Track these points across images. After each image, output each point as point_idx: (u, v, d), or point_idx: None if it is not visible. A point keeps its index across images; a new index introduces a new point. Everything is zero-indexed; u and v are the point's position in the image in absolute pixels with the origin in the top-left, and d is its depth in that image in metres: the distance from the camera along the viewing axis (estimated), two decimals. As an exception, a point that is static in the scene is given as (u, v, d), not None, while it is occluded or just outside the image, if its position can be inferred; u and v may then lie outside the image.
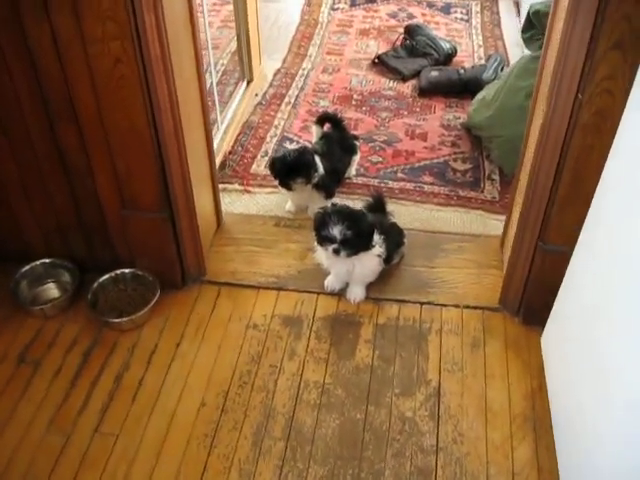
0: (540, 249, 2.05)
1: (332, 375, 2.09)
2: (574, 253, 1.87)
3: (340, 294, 2.35)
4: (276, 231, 2.63)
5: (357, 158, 2.93)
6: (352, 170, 2.93)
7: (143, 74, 1.83)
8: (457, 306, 2.31)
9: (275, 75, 3.76)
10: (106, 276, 2.30)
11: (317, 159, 2.62)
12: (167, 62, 1.86)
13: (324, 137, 2.83)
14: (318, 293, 2.35)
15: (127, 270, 2.32)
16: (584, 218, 1.83)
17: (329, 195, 2.71)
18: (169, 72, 1.88)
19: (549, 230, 2.00)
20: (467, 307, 2.30)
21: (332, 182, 2.72)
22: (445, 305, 2.31)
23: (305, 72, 3.80)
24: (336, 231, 2.08)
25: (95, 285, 2.27)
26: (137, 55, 1.79)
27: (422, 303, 2.32)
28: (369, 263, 2.24)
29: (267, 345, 2.18)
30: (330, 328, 2.23)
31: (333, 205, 2.19)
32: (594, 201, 1.74)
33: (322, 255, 2.24)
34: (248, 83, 3.54)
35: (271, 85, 3.67)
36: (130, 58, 1.80)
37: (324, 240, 2.13)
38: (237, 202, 2.83)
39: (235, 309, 2.30)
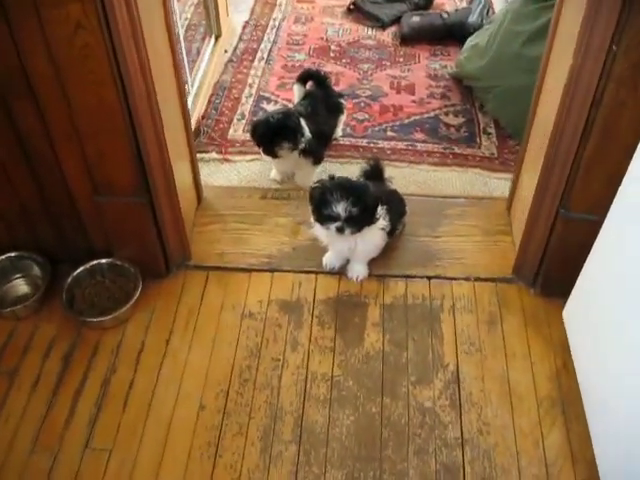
0: (562, 217, 1.87)
1: (341, 366, 1.91)
2: (607, 220, 1.68)
3: (340, 272, 2.15)
4: (263, 204, 2.40)
5: (344, 118, 2.70)
6: (338, 131, 2.71)
7: (109, 41, 1.57)
8: (468, 279, 2.13)
9: (244, 28, 3.46)
10: (81, 269, 2.06)
11: (302, 122, 2.38)
12: (136, 26, 1.60)
13: (307, 97, 2.59)
14: (316, 272, 2.16)
15: (104, 260, 2.09)
16: (613, 183, 1.64)
17: (317, 160, 2.48)
18: (139, 37, 1.62)
19: (572, 196, 1.82)
20: (478, 279, 2.13)
21: (320, 146, 2.49)
22: (455, 278, 2.13)
23: (276, 23, 3.52)
24: (340, 208, 1.87)
25: (69, 280, 2.04)
26: (101, 19, 1.52)
27: (430, 277, 2.14)
28: (373, 238, 2.04)
29: (266, 335, 1.99)
30: (333, 312, 2.04)
31: (331, 178, 1.96)
32: (634, 164, 1.55)
33: (321, 232, 2.03)
34: (216, 39, 3.25)
35: (241, 39, 3.38)
36: (93, 23, 1.53)
37: (326, 219, 1.92)
38: (216, 173, 2.59)
39: (227, 296, 2.09)
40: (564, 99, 1.67)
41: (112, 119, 1.71)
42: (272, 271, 2.16)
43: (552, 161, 1.80)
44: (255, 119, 2.49)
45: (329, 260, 2.14)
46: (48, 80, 1.64)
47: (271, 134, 2.32)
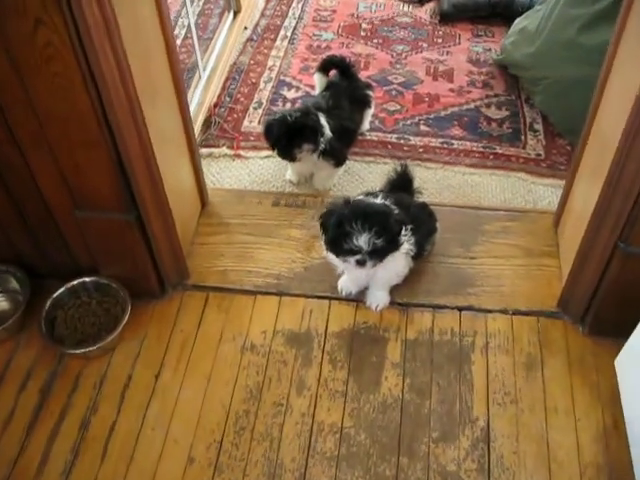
0: (621, 251, 1.57)
1: (352, 415, 1.65)
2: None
3: (358, 298, 1.88)
4: (275, 212, 2.13)
5: (371, 111, 2.39)
6: (366, 124, 2.41)
7: (77, 39, 1.30)
8: (505, 312, 1.84)
9: (267, 2, 3.15)
10: (62, 288, 1.83)
11: (322, 118, 2.09)
12: (110, 19, 1.32)
13: (330, 87, 2.29)
14: (330, 298, 1.89)
15: (89, 279, 1.85)
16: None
17: (339, 162, 2.19)
18: (114, 32, 1.35)
19: (635, 229, 1.51)
20: (517, 312, 1.84)
21: (342, 145, 2.19)
22: (490, 311, 1.84)
23: (303, -4, 3.19)
24: (362, 241, 1.58)
25: (50, 301, 1.80)
26: (65, 13, 1.25)
27: (461, 309, 1.85)
28: (395, 265, 1.76)
29: (269, 374, 1.73)
30: (347, 348, 1.78)
31: (347, 202, 1.67)
32: None
33: (336, 260, 1.75)
34: (235, 14, 2.94)
35: (263, 15, 3.07)
36: (55, 19, 1.26)
37: (345, 252, 1.63)
38: (226, 171, 2.32)
39: (227, 323, 1.84)
40: (633, 120, 1.35)
41: (86, 127, 1.45)
42: (280, 294, 1.89)
43: (613, 186, 1.49)
44: (268, 117, 2.20)
45: (345, 285, 1.87)
46: (10, 84, 1.38)
47: (289, 135, 2.03)
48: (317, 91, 2.34)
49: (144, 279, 1.84)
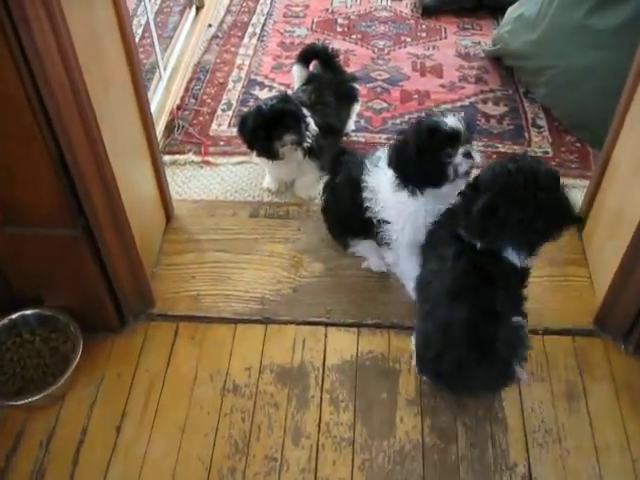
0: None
1: (363, 468, 1.34)
2: None
3: (358, 323, 1.57)
4: (253, 225, 1.82)
5: (358, 108, 2.10)
6: (351, 124, 2.12)
7: (6, 16, 0.99)
8: (534, 331, 1.55)
9: (232, -2, 2.86)
10: (-2, 324, 1.48)
11: (305, 111, 1.80)
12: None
13: (311, 81, 1.99)
14: (326, 324, 1.58)
15: (30, 311, 1.51)
16: None
17: (326, 164, 1.89)
18: (55, 11, 1.04)
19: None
20: (549, 332, 1.56)
21: (329, 145, 1.89)
22: (517, 331, 1.55)
23: (272, -8, 2.91)
24: None
25: (-19, 341, 1.46)
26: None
27: (482, 330, 1.56)
28: None
29: (257, 421, 1.41)
30: (351, 384, 1.47)
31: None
32: None
33: None
34: (198, 10, 2.65)
35: (228, 12, 2.78)
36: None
37: None
38: (193, 180, 2.01)
39: (202, 360, 1.52)
40: None
41: (19, 122, 1.14)
42: (265, 322, 1.58)
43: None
44: (243, 112, 1.89)
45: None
46: None
47: (266, 126, 1.73)
48: (296, 85, 2.04)
49: (99, 309, 1.51)
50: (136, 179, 1.58)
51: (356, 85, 2.06)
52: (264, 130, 1.73)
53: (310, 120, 1.80)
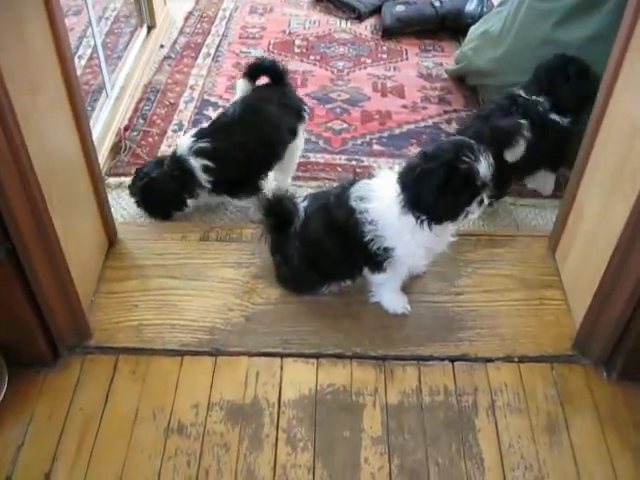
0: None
1: (325, 516, 1.18)
2: None
3: (318, 353, 1.43)
4: (204, 249, 1.68)
5: (304, 127, 1.95)
6: (298, 142, 1.92)
7: None
8: (509, 359, 1.43)
9: (186, 20, 2.75)
10: None
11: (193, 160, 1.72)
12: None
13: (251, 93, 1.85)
14: (282, 355, 1.43)
15: (-54, 346, 1.33)
16: None
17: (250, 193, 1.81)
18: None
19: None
20: (525, 359, 1.44)
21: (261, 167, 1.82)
22: (490, 359, 1.43)
23: (227, 14, 2.81)
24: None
25: None
26: None
27: (453, 359, 1.43)
28: None
29: (204, 464, 1.25)
30: (309, 421, 1.32)
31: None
32: None
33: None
34: (149, 30, 2.53)
35: (182, 32, 2.67)
36: None
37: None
38: (140, 204, 1.86)
39: (145, 396, 1.35)
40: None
41: None
42: (215, 354, 1.43)
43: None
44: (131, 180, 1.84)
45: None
46: None
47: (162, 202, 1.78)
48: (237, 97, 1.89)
49: (28, 341, 1.35)
50: (71, 201, 1.43)
51: (304, 105, 1.90)
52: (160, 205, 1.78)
53: (199, 174, 1.72)
